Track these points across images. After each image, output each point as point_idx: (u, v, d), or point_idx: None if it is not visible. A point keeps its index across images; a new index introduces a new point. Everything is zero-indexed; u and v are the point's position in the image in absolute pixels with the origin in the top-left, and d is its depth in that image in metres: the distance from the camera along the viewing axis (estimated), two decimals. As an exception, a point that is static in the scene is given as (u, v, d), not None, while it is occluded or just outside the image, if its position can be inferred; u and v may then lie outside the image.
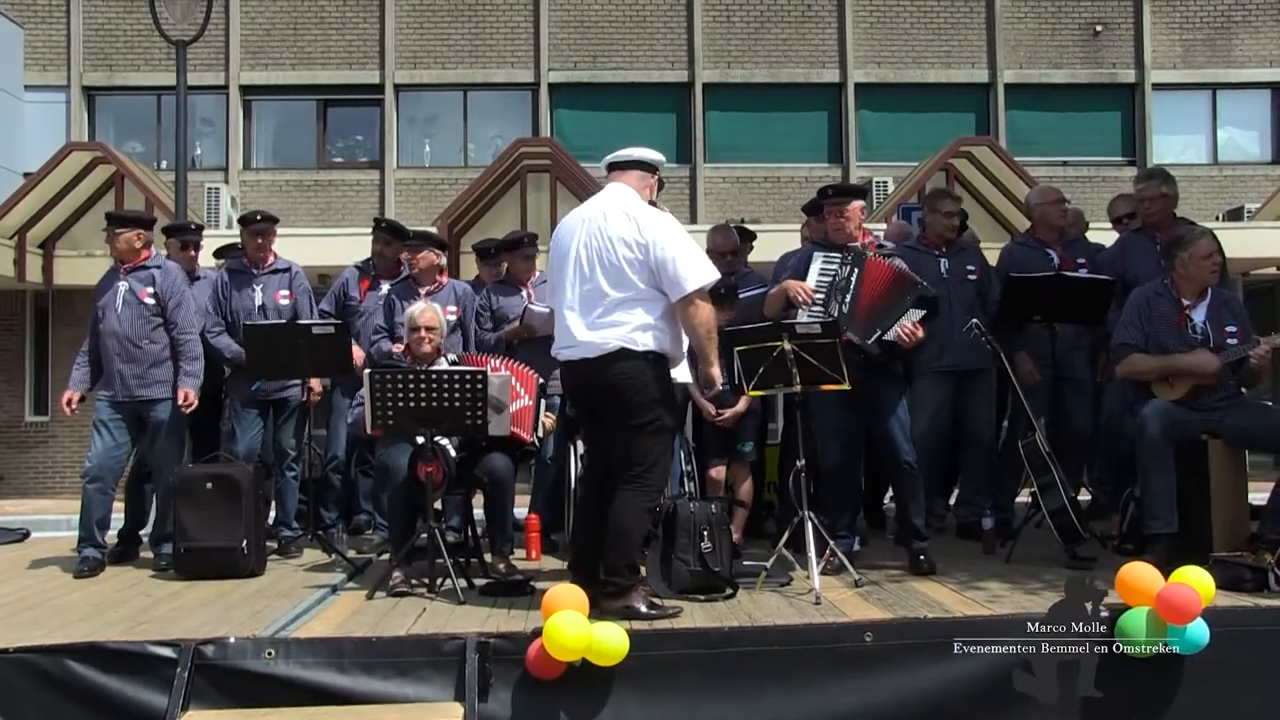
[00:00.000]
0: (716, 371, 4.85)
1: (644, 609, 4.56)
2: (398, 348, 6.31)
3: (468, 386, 5.20)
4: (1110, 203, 7.34)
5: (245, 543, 5.76)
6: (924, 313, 5.51)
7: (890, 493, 6.94)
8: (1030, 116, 18.60)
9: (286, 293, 6.78)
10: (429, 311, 5.88)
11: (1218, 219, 17.12)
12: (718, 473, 6.24)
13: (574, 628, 4.04)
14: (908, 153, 17.49)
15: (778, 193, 17.98)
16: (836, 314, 5.49)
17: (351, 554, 6.25)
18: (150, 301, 6.12)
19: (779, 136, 18.50)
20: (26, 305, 16.87)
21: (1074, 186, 17.13)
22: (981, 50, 18.59)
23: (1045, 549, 5.83)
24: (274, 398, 6.68)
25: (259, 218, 6.90)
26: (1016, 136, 18.24)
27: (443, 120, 18.98)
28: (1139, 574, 4.34)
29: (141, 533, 6.51)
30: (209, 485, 5.83)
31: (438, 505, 5.45)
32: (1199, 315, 5.53)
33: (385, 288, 6.98)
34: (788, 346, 5.14)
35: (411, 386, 5.19)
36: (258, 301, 6.73)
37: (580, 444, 6.19)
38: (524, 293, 6.77)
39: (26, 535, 7.80)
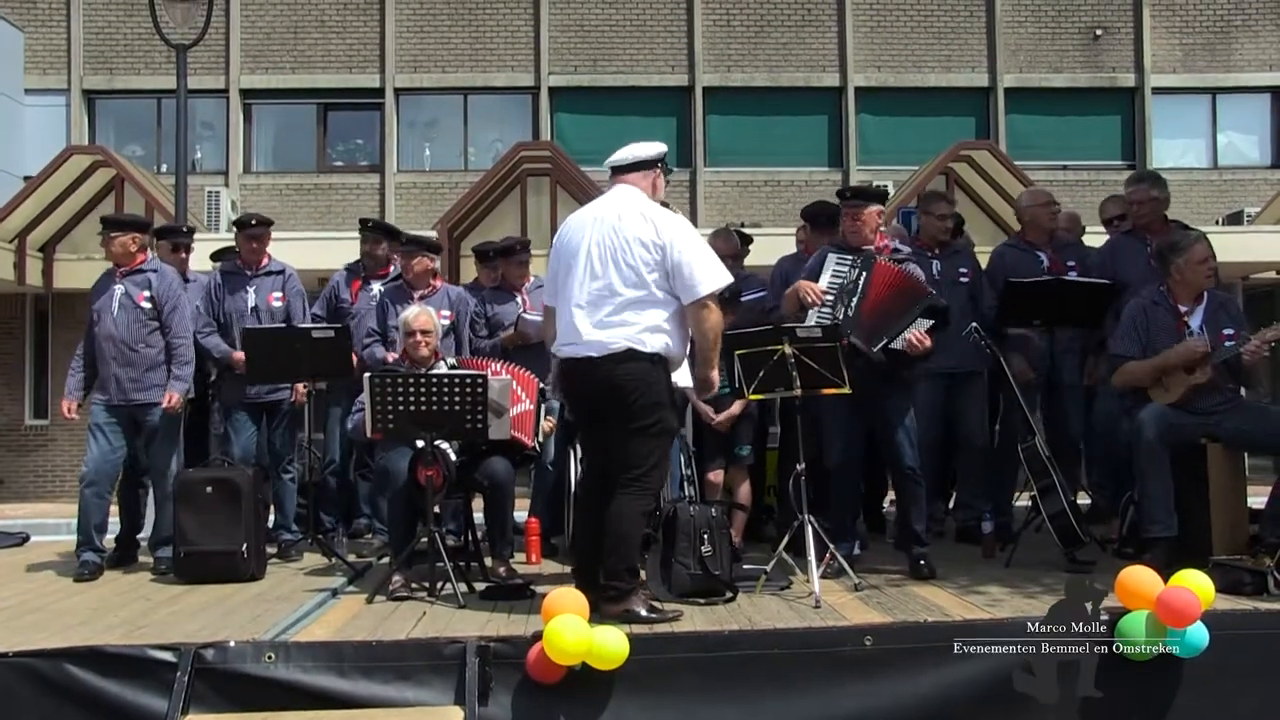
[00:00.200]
0: (715, 375, 4.86)
1: (644, 613, 4.56)
2: (391, 356, 6.33)
3: (468, 390, 5.20)
4: (1101, 204, 7.37)
5: (245, 546, 5.76)
6: (932, 322, 5.51)
7: (890, 497, 6.95)
8: (1030, 120, 18.61)
9: (279, 295, 6.79)
10: (423, 315, 5.88)
11: (1217, 223, 17.14)
12: (716, 476, 6.24)
13: (574, 631, 4.04)
14: (908, 157, 17.51)
15: (778, 197, 17.99)
16: (842, 317, 5.49)
17: (351, 558, 6.25)
18: (147, 306, 6.12)
19: (779, 140, 18.52)
20: (26, 309, 16.88)
21: (1074, 190, 17.16)
22: (982, 54, 18.61)
23: (1045, 553, 5.83)
24: (266, 401, 6.68)
25: (254, 221, 6.91)
26: (1016, 140, 18.25)
27: (443, 124, 18.99)
28: (1138, 577, 4.35)
29: (139, 536, 6.51)
30: (209, 489, 5.83)
31: (436, 509, 5.45)
32: (1196, 320, 5.54)
33: (376, 288, 7.01)
34: (788, 350, 5.15)
35: (412, 390, 5.20)
36: (250, 303, 6.73)
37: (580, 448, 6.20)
38: (518, 299, 6.77)
39: (26, 539, 7.80)
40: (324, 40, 18.36)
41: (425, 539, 5.23)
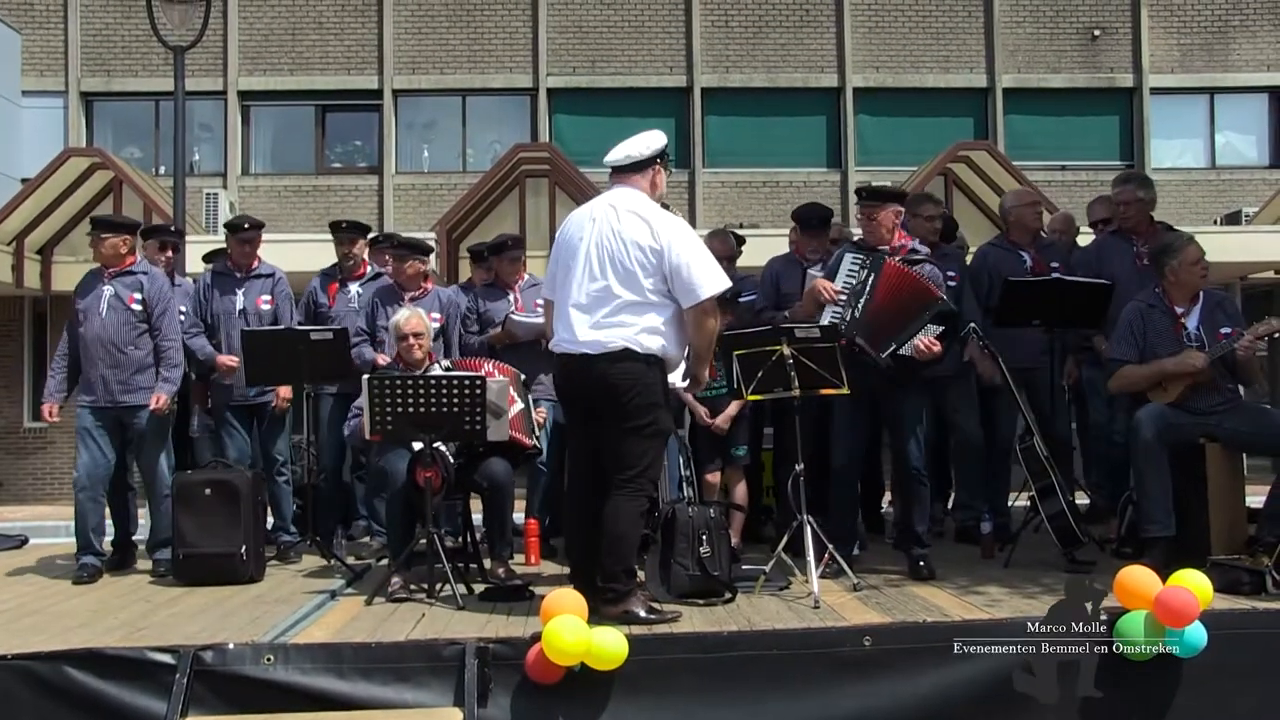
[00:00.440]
0: (706, 373, 4.90)
1: (643, 613, 4.56)
2: (382, 358, 6.33)
3: (467, 392, 5.20)
4: (1089, 206, 7.39)
5: (244, 548, 5.76)
6: (941, 329, 5.48)
7: (888, 497, 6.95)
8: (1028, 121, 18.62)
9: (268, 298, 6.79)
10: (414, 318, 5.88)
11: (1216, 223, 17.17)
12: (714, 477, 6.25)
13: (573, 632, 4.04)
14: (906, 157, 17.52)
15: (776, 197, 17.98)
16: (849, 317, 5.48)
17: (350, 559, 6.25)
18: (137, 308, 6.11)
19: (777, 141, 18.52)
20: (24, 311, 16.87)
21: (1072, 191, 17.17)
22: (980, 55, 18.61)
23: (1044, 553, 5.83)
24: (255, 402, 6.68)
25: (246, 225, 6.91)
26: (1015, 141, 18.26)
27: (441, 125, 18.99)
28: (1137, 577, 4.35)
29: (136, 538, 6.50)
30: (207, 491, 5.83)
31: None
32: (1192, 321, 5.55)
33: (354, 289, 7.04)
34: (786, 351, 5.15)
35: (410, 392, 5.20)
36: (239, 305, 6.74)
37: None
38: (510, 296, 6.76)
39: (25, 541, 7.80)
40: (322, 42, 18.36)
41: (424, 540, 5.23)
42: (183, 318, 6.54)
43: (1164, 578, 4.35)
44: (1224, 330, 5.52)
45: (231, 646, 4.19)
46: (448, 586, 5.07)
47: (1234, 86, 18.85)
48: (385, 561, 5.84)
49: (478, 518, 5.96)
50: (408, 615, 4.81)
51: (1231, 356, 5.42)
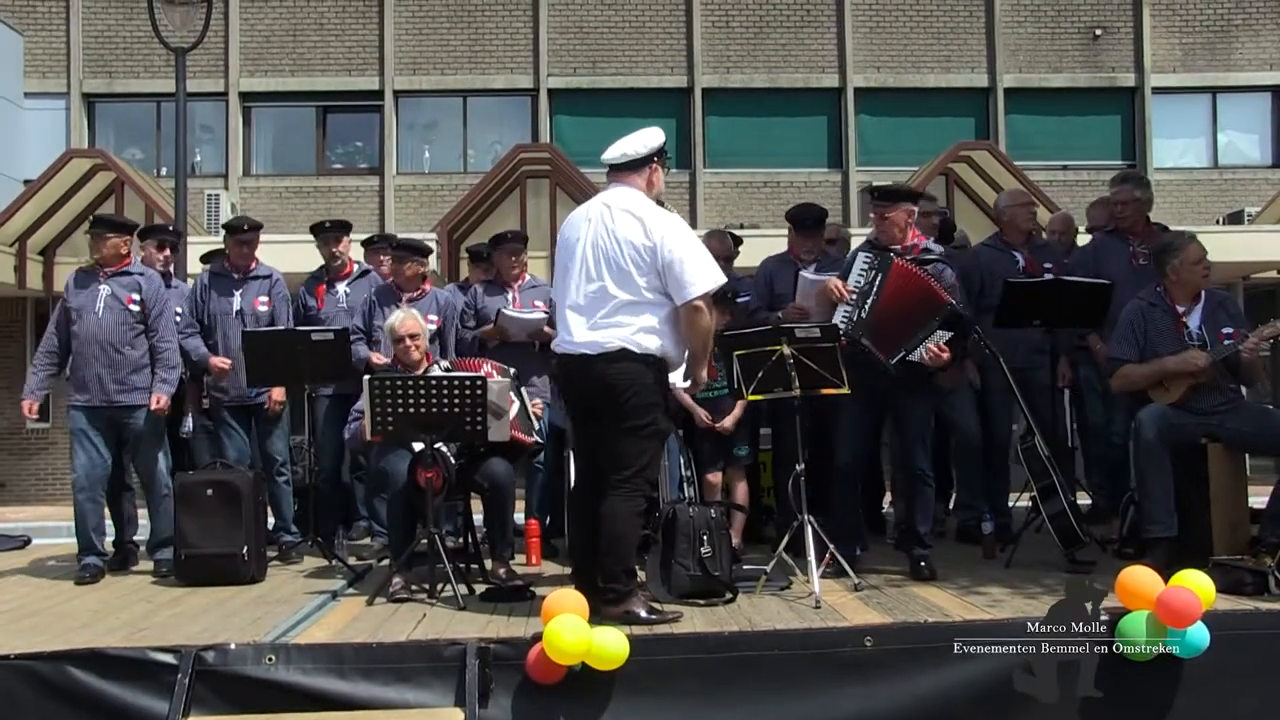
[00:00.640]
0: (704, 373, 4.89)
1: (644, 614, 4.56)
2: (376, 357, 6.32)
3: (467, 392, 5.19)
4: (1087, 210, 7.40)
5: (245, 549, 5.76)
6: (950, 334, 5.45)
7: (888, 497, 6.95)
8: (1030, 121, 18.61)
9: (265, 299, 6.78)
10: (409, 320, 5.88)
11: (1218, 222, 17.16)
12: (714, 478, 6.24)
13: (574, 632, 4.04)
14: (907, 157, 17.51)
15: (777, 198, 17.95)
16: (856, 318, 5.47)
17: (351, 560, 6.25)
18: (135, 308, 6.10)
19: (778, 141, 18.52)
20: (27, 312, 16.89)
21: (1074, 190, 17.17)
22: (981, 54, 18.60)
23: (1045, 553, 5.83)
24: (252, 403, 6.68)
25: (245, 227, 6.91)
26: (1016, 141, 18.25)
27: (442, 126, 19.00)
28: (1139, 578, 4.34)
29: (136, 539, 6.51)
30: (209, 492, 5.83)
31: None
32: (1194, 321, 5.54)
33: (342, 289, 7.05)
34: (787, 351, 5.15)
35: (411, 392, 5.19)
36: (236, 306, 6.73)
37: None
38: (508, 294, 6.75)
39: (27, 542, 7.81)
40: (323, 43, 18.37)
41: (425, 541, 5.23)
42: (178, 318, 6.55)
43: (1166, 578, 4.34)
44: (1226, 330, 5.51)
45: (233, 646, 4.19)
46: (449, 587, 5.07)
47: (1236, 86, 18.83)
48: (386, 562, 5.84)
49: (478, 518, 5.96)
50: (409, 615, 4.82)
51: (1236, 358, 5.41)
